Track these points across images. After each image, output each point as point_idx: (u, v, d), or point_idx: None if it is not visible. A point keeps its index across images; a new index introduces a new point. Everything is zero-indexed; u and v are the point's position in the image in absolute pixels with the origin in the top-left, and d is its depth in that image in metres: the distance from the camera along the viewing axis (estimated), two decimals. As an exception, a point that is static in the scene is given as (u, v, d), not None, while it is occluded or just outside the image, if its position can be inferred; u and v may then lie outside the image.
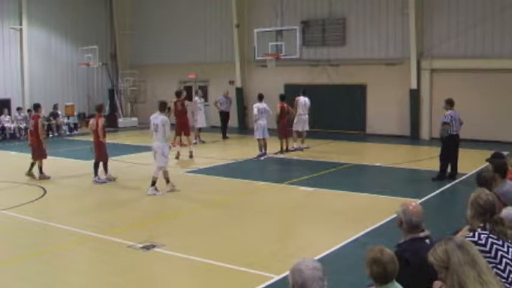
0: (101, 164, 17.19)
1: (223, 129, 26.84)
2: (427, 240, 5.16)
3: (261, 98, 21.49)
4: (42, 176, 17.17)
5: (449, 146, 16.03)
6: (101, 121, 17.05)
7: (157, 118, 15.08)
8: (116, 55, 35.89)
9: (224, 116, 27.56)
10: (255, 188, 15.91)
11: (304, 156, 21.18)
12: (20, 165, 20.08)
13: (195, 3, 32.52)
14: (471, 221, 5.40)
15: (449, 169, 16.33)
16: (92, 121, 17.55)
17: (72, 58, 33.21)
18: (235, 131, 30.07)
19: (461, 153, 17.61)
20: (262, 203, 14.19)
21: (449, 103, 16.14)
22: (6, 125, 28.11)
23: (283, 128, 21.62)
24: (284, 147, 21.79)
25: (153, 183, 14.96)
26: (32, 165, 17.32)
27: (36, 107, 17.96)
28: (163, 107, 15.62)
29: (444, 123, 15.91)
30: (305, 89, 23.42)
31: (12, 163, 20.96)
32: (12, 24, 30.24)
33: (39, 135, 17.28)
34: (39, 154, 17.31)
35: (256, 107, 20.98)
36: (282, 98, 22.08)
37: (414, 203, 5.42)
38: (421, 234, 5.19)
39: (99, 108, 17.56)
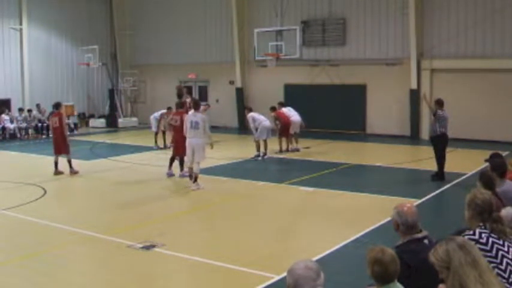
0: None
1: None
2: (426, 241, 5.13)
3: (251, 110, 21.73)
4: None
5: (439, 145, 16.02)
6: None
7: (196, 116, 15.42)
8: (116, 55, 35.91)
9: None
10: (255, 188, 15.90)
11: (304, 156, 21.18)
12: (20, 165, 20.13)
13: (195, 3, 32.52)
14: (469, 222, 5.37)
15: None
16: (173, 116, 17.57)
17: (72, 58, 33.26)
18: (235, 131, 30.09)
19: (461, 153, 17.68)
20: (262, 203, 14.18)
21: (439, 103, 16.13)
22: (6, 125, 28.10)
23: (282, 129, 21.69)
24: (284, 148, 21.85)
25: (196, 179, 15.38)
26: None
27: None
28: (197, 105, 15.91)
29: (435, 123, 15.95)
30: (282, 102, 23.39)
31: (12, 163, 20.96)
32: (12, 24, 30.27)
33: None
34: None
35: (252, 116, 20.95)
36: (274, 108, 22.12)
37: (408, 203, 5.39)
38: (419, 235, 5.16)
39: (181, 104, 17.48)
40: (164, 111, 23.59)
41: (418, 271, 4.72)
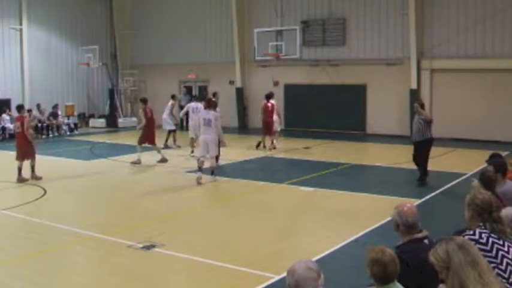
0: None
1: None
2: (426, 241, 5.14)
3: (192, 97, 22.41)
4: None
5: (425, 148, 15.86)
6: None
7: (209, 113, 16.34)
8: (116, 55, 35.90)
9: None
10: (255, 188, 15.90)
11: (304, 156, 21.17)
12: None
13: (195, 3, 32.52)
14: (469, 223, 5.38)
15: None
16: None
17: (72, 58, 33.24)
18: (235, 131, 30.05)
19: (461, 154, 17.67)
20: (262, 203, 14.18)
21: (421, 106, 16.07)
22: (6, 125, 28.10)
23: (268, 125, 22.17)
24: (263, 144, 22.46)
25: (213, 172, 16.57)
26: None
27: None
28: (210, 103, 16.86)
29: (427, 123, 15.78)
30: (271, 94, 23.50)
31: (12, 163, 20.90)
32: (12, 24, 30.24)
33: None
34: None
35: (190, 106, 21.70)
36: (268, 97, 22.42)
37: (408, 204, 5.40)
38: (419, 235, 5.17)
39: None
40: (171, 101, 23.71)
41: (418, 271, 4.72)
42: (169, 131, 23.70)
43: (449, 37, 25.11)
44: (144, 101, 21.10)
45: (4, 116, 28.30)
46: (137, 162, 19.54)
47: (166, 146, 23.11)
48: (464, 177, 16.27)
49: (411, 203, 5.45)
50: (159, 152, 20.04)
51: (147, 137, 20.11)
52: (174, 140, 23.75)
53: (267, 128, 22.29)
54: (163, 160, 19.74)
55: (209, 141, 16.15)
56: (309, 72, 28.87)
